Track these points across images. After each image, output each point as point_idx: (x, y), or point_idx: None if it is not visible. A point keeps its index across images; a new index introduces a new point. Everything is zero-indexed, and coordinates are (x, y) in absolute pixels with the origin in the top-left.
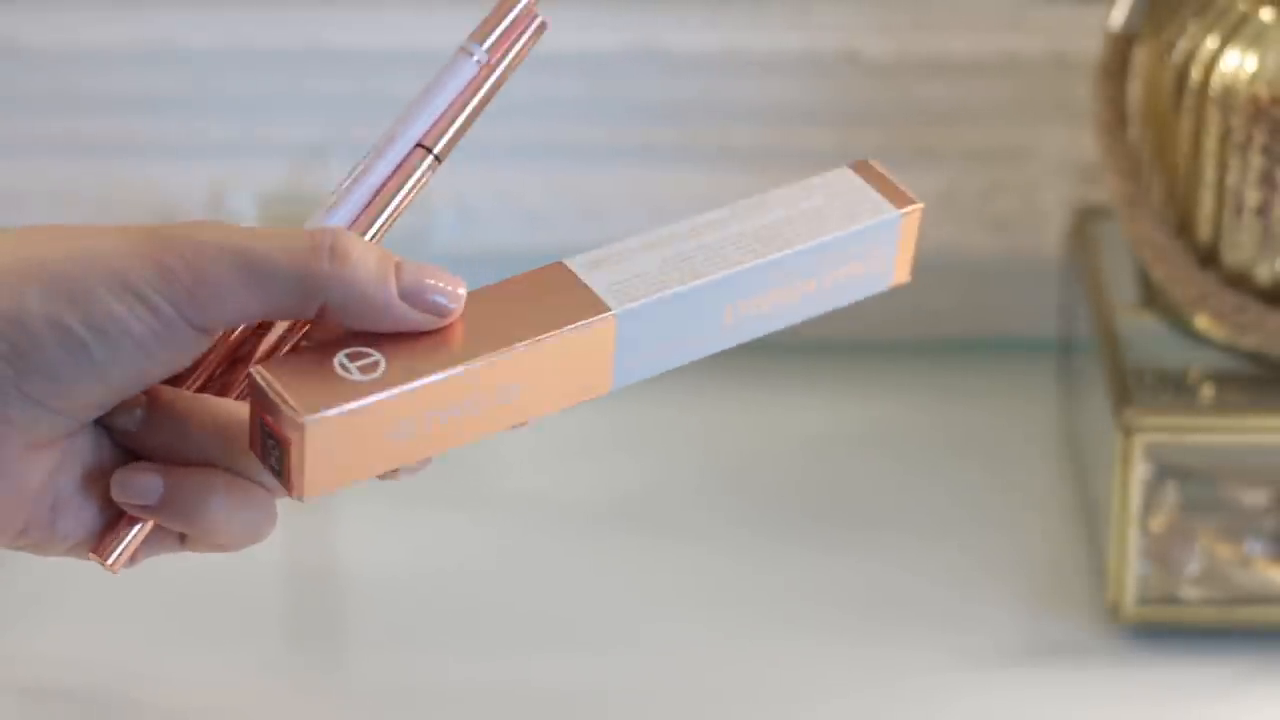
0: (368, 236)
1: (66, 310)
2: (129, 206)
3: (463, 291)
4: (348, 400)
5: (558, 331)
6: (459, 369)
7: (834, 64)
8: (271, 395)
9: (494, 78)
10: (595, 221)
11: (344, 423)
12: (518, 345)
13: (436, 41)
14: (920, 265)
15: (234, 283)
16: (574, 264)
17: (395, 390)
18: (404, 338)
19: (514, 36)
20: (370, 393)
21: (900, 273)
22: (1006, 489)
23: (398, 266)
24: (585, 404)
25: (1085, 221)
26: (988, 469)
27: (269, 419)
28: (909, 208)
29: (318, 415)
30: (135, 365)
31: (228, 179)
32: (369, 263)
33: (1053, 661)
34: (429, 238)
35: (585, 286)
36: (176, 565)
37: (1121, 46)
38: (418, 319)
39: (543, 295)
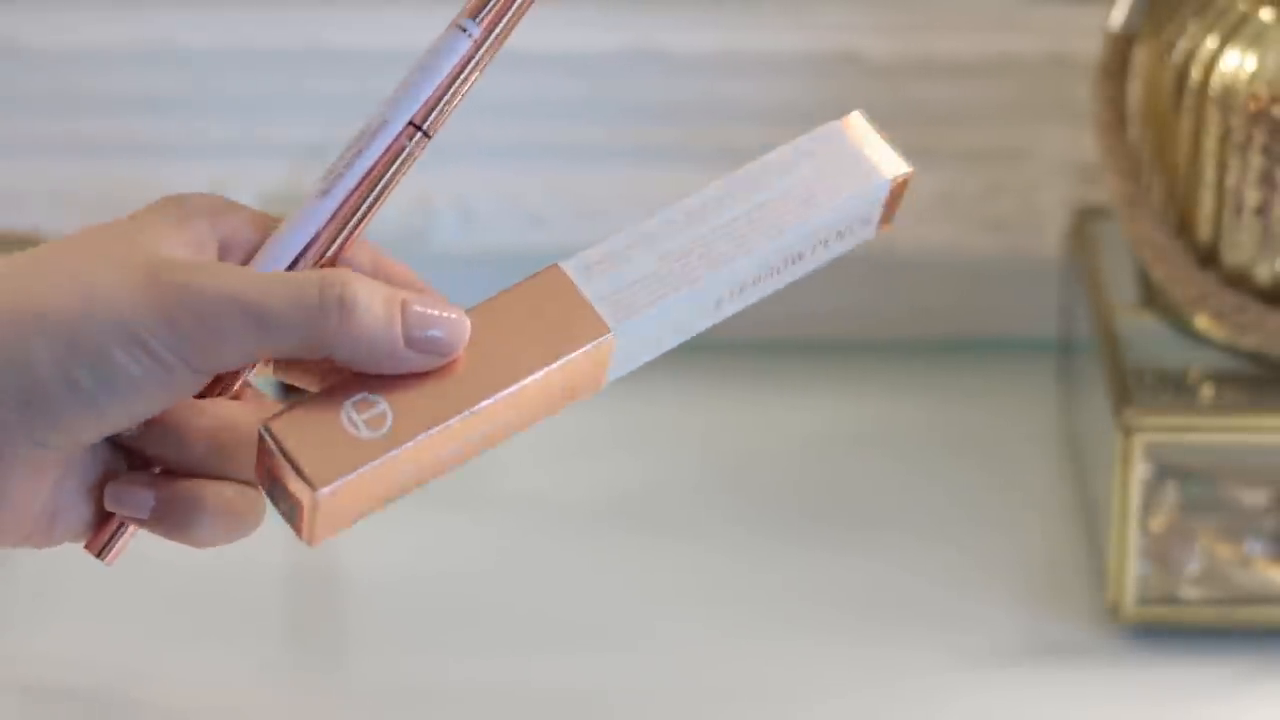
0: (359, 220)
1: (74, 363)
2: (129, 206)
3: (465, 327)
4: (359, 464)
5: (559, 361)
6: (465, 414)
7: (834, 64)
8: (283, 459)
9: (485, 47)
10: (594, 221)
11: (355, 483)
12: (522, 381)
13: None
14: (920, 265)
15: (241, 335)
16: (570, 269)
17: (404, 446)
18: (407, 377)
19: (506, 8)
20: (381, 452)
21: (886, 226)
22: (1006, 489)
23: (403, 306)
24: (584, 404)
25: (1085, 221)
26: (987, 469)
27: (280, 476)
28: (898, 174)
29: (331, 486)
30: (138, 406)
31: (228, 179)
32: (375, 310)
33: (1052, 662)
34: (429, 238)
35: (584, 300)
36: (177, 566)
37: (1121, 46)
38: (421, 362)
39: (541, 312)
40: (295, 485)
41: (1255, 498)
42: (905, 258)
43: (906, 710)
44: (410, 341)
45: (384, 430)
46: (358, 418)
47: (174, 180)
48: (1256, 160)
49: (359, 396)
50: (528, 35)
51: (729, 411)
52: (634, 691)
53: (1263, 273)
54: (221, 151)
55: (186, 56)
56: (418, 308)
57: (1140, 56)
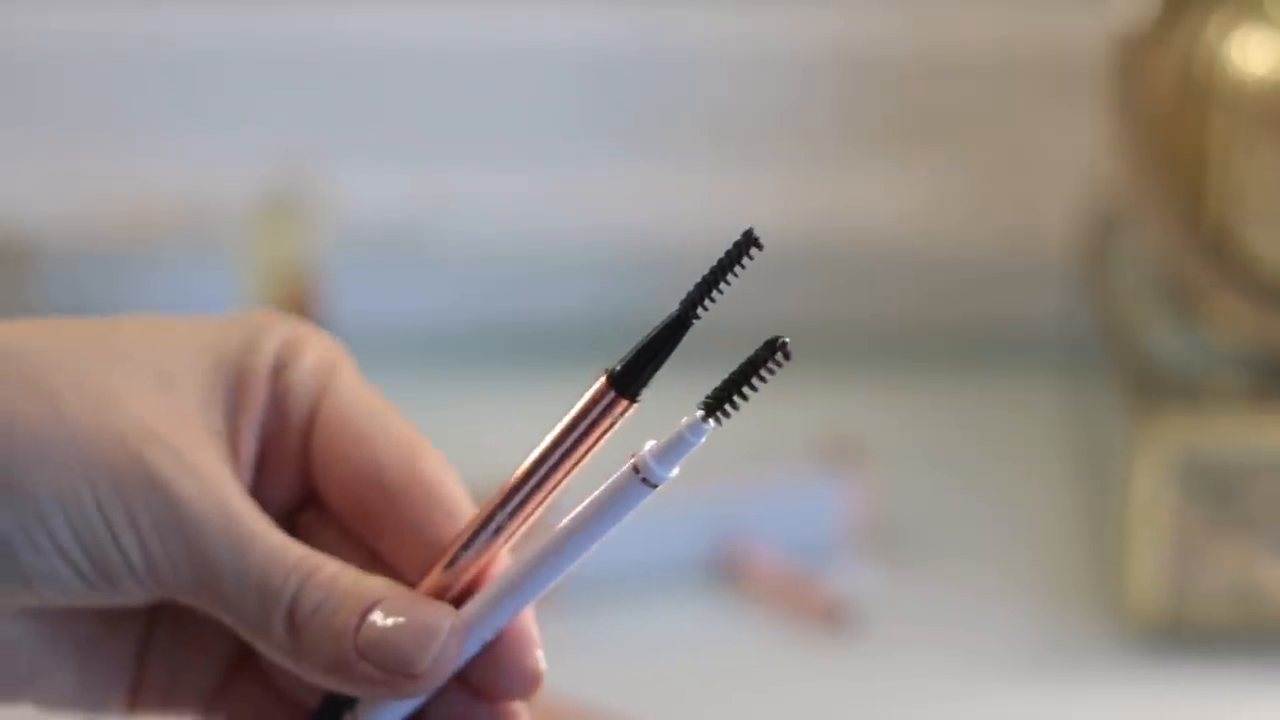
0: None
1: (21, 536)
2: (121, 205)
3: (431, 643)
4: None
5: None
6: None
7: (834, 64)
8: None
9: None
10: (594, 222)
11: None
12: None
13: (435, 41)
14: (920, 265)
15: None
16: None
17: None
18: None
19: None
20: None
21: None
22: (1015, 491)
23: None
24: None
25: (1092, 222)
26: (994, 471)
27: None
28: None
29: None
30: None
31: (221, 181)
32: (323, 621)
33: (1066, 666)
34: (428, 238)
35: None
36: None
37: (1128, 44)
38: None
39: None
40: None
41: (1269, 499)
42: (905, 258)
43: (921, 713)
44: (363, 652)
45: None
46: None
47: (168, 180)
48: (1266, 158)
49: None
50: (528, 36)
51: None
52: (636, 689)
53: (1274, 272)
54: (217, 153)
55: (181, 56)
56: (392, 606)
57: (1147, 54)
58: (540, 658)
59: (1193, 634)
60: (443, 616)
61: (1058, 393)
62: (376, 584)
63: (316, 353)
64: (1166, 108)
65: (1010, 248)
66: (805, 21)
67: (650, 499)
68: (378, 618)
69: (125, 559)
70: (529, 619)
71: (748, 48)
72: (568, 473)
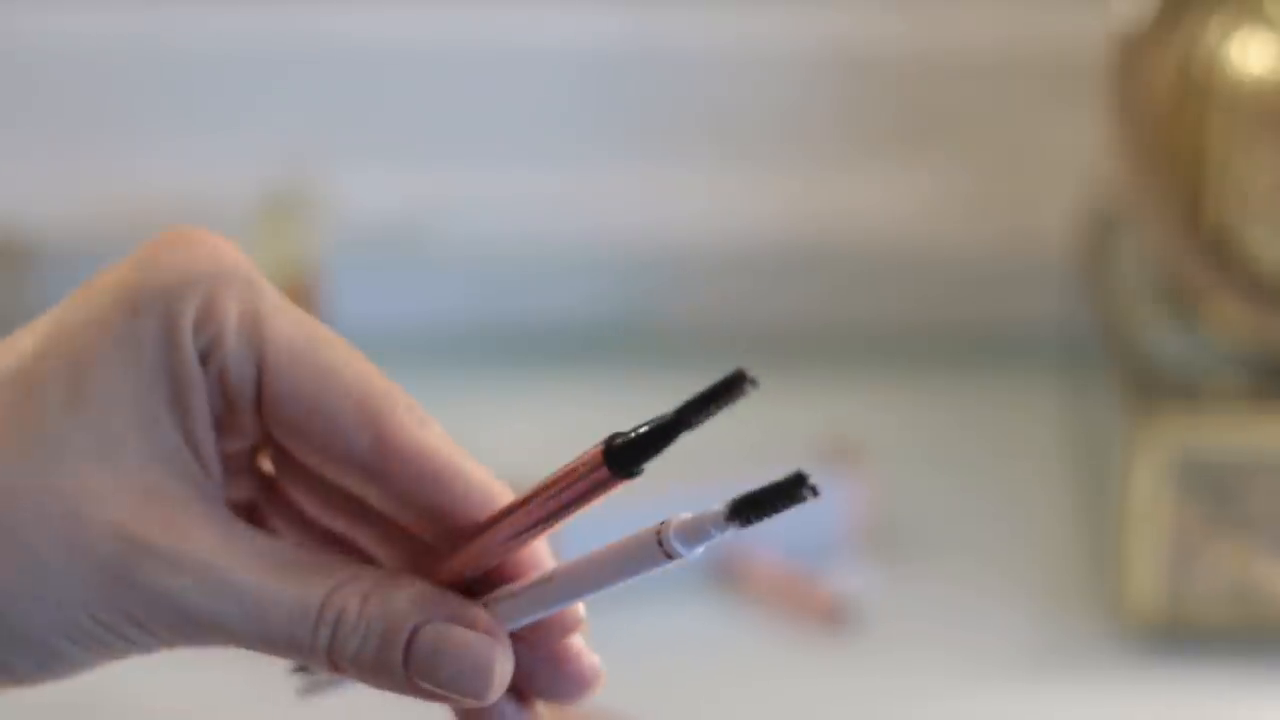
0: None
1: (8, 649)
2: (115, 206)
3: (493, 665)
4: None
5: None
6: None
7: (834, 64)
8: None
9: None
10: (595, 222)
11: None
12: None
13: (435, 41)
14: (920, 265)
15: (221, 645)
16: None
17: None
18: None
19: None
20: None
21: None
22: (1014, 491)
23: (412, 635)
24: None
25: (1092, 222)
26: (994, 471)
27: None
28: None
29: None
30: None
31: (221, 181)
32: (371, 641)
33: (1065, 666)
34: (428, 238)
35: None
36: None
37: (1128, 44)
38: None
39: None
40: None
41: (1268, 498)
42: (905, 258)
43: (920, 712)
44: (419, 679)
45: None
46: None
47: (170, 180)
48: (1265, 157)
49: None
50: (528, 36)
51: (729, 412)
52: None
53: (1273, 271)
54: (217, 152)
55: (181, 56)
56: (429, 635)
57: (1147, 53)
58: (594, 663)
59: (1191, 633)
60: (490, 644)
61: (1057, 393)
62: (406, 604)
63: (236, 313)
64: (1166, 108)
65: (1010, 248)
66: (805, 21)
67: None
68: (424, 645)
69: (144, 649)
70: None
71: (748, 48)
72: (552, 518)
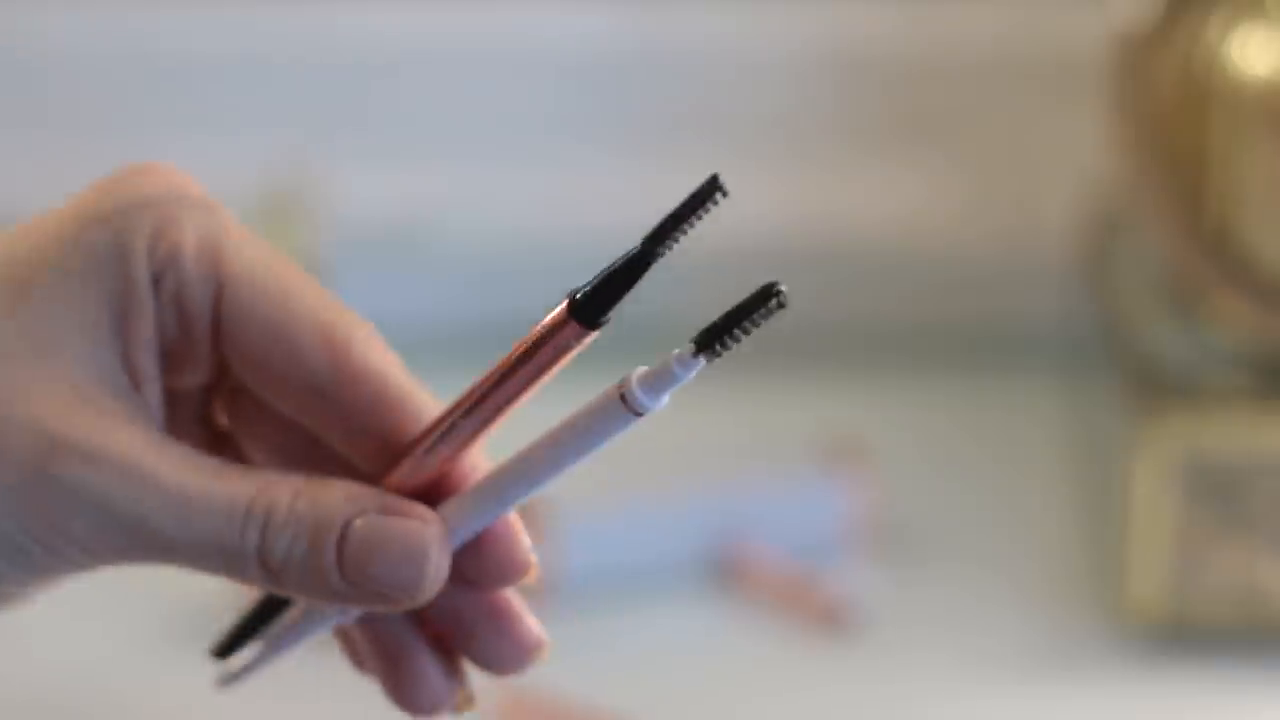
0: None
1: None
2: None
3: (429, 557)
4: None
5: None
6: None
7: (833, 64)
8: None
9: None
10: (594, 222)
11: None
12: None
13: (435, 41)
14: (920, 264)
15: (145, 557)
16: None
17: None
18: None
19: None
20: None
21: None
22: (1016, 491)
23: (343, 530)
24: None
25: (1092, 222)
26: (995, 471)
27: None
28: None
29: None
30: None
31: (221, 181)
32: (299, 544)
33: (1068, 667)
34: (428, 238)
35: None
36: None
37: (1128, 44)
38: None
39: None
40: None
41: (1271, 500)
42: (905, 258)
43: (922, 714)
44: (352, 578)
45: None
46: None
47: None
48: (1267, 156)
49: None
50: (528, 36)
51: (729, 412)
52: (638, 690)
53: (1275, 270)
54: (218, 150)
55: (180, 57)
56: (361, 527)
57: (1149, 52)
58: (528, 547)
59: (1194, 634)
60: (423, 528)
61: (1059, 393)
62: (338, 499)
63: (194, 237)
64: (1167, 107)
65: (1010, 247)
66: (805, 21)
67: (633, 427)
68: (355, 537)
69: (71, 563)
70: (512, 516)
71: (748, 48)
72: (524, 386)
